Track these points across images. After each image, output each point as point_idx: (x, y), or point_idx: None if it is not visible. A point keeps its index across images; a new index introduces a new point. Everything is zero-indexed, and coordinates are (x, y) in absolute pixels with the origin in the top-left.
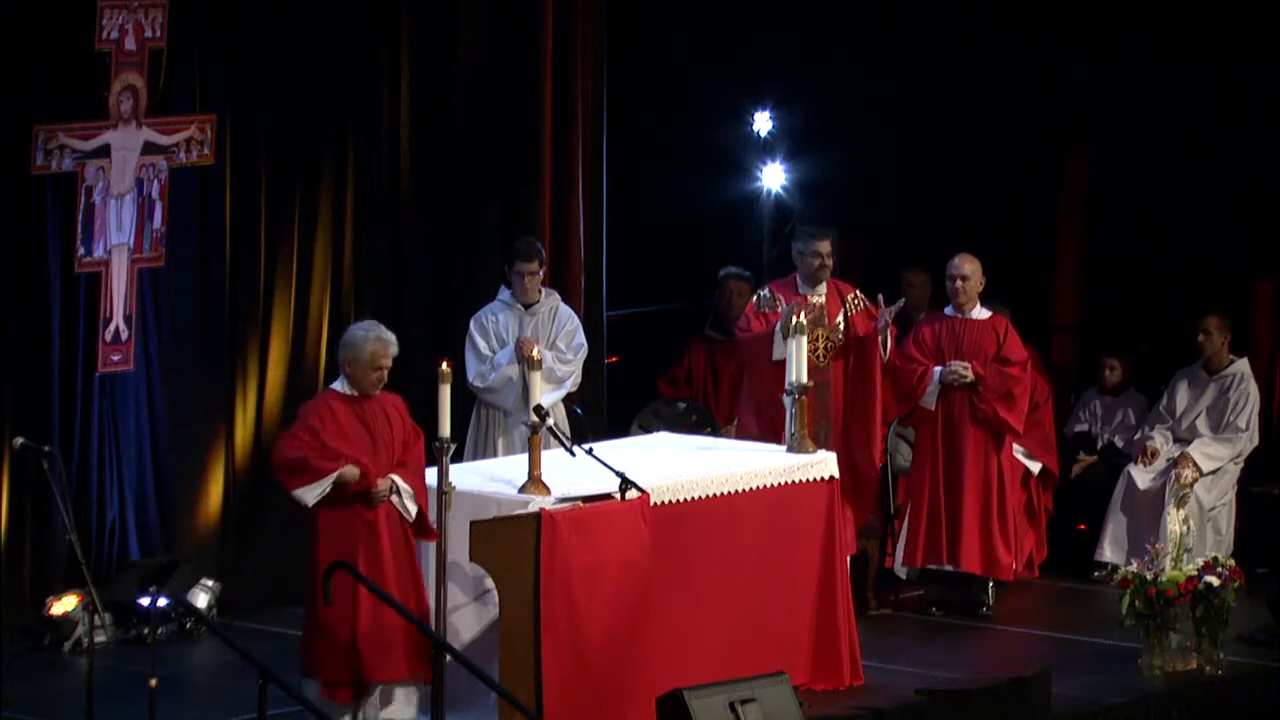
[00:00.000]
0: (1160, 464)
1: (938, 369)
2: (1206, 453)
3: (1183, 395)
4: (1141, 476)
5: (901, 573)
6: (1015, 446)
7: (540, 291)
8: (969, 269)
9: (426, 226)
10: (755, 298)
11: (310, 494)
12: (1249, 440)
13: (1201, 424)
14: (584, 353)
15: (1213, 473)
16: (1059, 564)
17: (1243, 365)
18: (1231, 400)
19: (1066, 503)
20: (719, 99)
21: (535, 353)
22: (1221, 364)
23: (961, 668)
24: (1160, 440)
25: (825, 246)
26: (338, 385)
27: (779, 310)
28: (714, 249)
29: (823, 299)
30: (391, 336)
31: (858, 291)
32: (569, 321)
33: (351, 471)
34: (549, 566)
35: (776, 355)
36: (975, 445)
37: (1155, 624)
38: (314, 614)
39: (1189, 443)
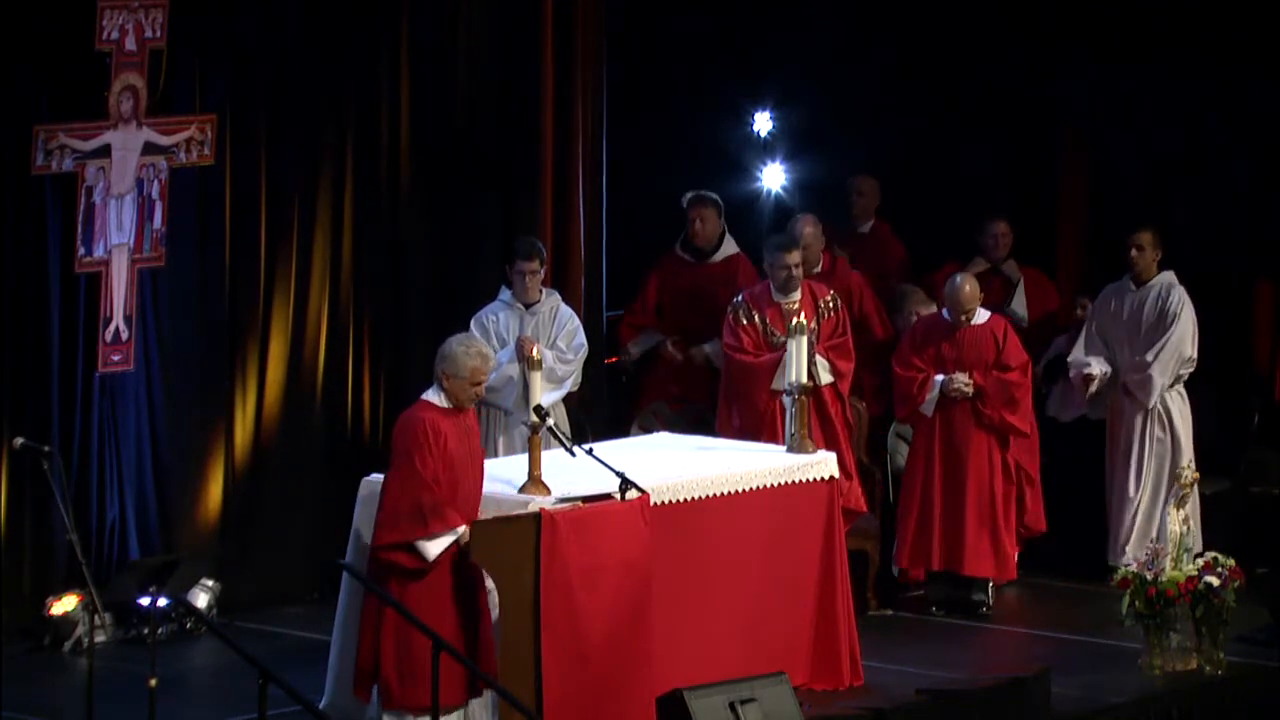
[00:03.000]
0: (1095, 388)
1: (938, 378)
2: (1162, 369)
3: (1114, 307)
4: (1126, 474)
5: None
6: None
7: (541, 291)
8: (969, 290)
9: (426, 226)
10: (730, 309)
11: (436, 547)
12: (1186, 362)
13: (1131, 334)
14: (584, 352)
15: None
16: (1059, 564)
17: (1169, 275)
18: (1169, 309)
19: (1067, 502)
20: (719, 99)
21: (535, 352)
22: (1149, 277)
23: (961, 668)
24: (1096, 366)
25: (794, 258)
26: (432, 397)
27: (755, 322)
28: None
29: (797, 305)
30: (490, 351)
31: (833, 293)
32: (569, 321)
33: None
34: (549, 566)
35: (776, 385)
36: (977, 448)
37: (1155, 624)
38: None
39: (1129, 363)
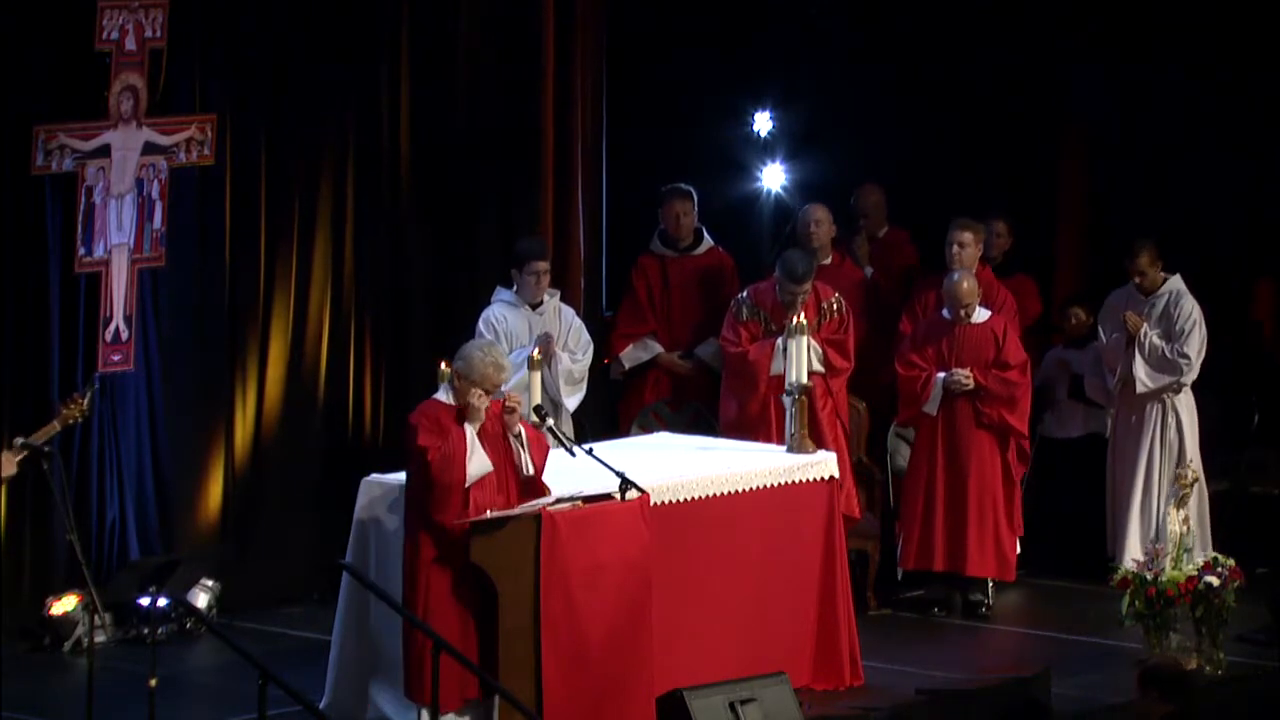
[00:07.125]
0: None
1: (940, 375)
2: (1149, 374)
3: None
4: (1134, 476)
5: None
6: None
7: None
8: (967, 286)
9: (427, 227)
10: (733, 304)
11: (477, 464)
12: (1190, 371)
13: (1152, 337)
14: (591, 349)
15: (1146, 394)
16: (1059, 564)
17: (1176, 282)
18: (1175, 317)
19: (1067, 503)
20: (719, 99)
21: (540, 351)
22: (1155, 286)
23: (961, 668)
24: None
25: (804, 288)
26: (441, 395)
27: (759, 320)
28: None
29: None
30: (508, 362)
31: (838, 295)
32: (574, 320)
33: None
34: (549, 566)
35: (776, 370)
36: (979, 448)
37: (1155, 624)
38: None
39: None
